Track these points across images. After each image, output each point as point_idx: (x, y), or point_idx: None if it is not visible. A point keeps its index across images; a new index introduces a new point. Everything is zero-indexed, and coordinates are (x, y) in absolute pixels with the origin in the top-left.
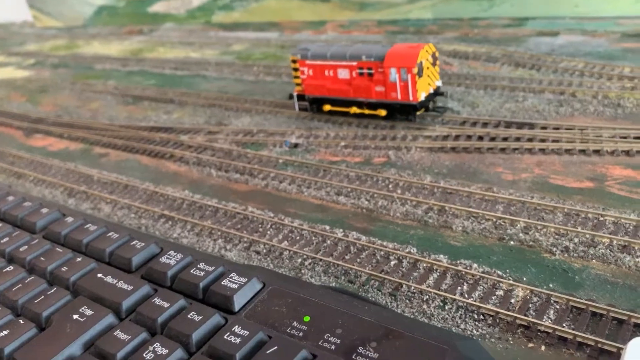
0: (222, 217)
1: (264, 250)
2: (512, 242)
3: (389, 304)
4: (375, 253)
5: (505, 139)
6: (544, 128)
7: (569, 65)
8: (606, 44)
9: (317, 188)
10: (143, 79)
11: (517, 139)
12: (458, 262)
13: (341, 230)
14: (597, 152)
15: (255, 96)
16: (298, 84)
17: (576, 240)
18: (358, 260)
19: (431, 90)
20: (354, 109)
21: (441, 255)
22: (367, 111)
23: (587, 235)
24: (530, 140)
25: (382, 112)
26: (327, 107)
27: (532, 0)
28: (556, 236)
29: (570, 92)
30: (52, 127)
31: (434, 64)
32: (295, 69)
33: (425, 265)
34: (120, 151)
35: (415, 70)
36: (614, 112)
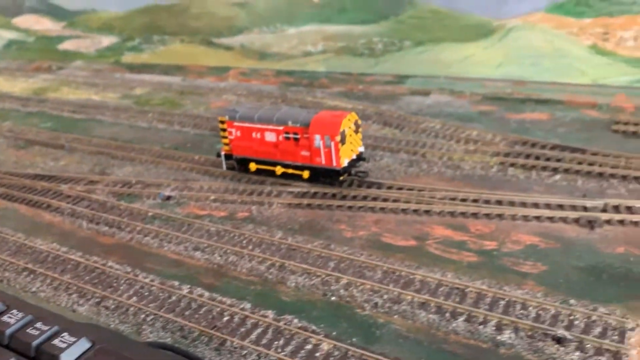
0: (82, 272)
1: (113, 306)
2: (333, 298)
3: (212, 359)
4: (212, 309)
5: (354, 197)
6: (389, 187)
7: (428, 126)
8: (467, 106)
9: (177, 243)
10: (40, 121)
11: (364, 198)
12: (282, 317)
13: (188, 286)
14: (427, 212)
15: (143, 144)
16: (226, 144)
17: (385, 296)
18: (196, 316)
19: (354, 156)
20: (279, 169)
21: (269, 311)
22: (291, 171)
23: (395, 292)
24: (374, 199)
25: (305, 174)
26: (253, 167)
27: (412, 59)
28: (370, 293)
29: (422, 153)
30: None
31: (356, 132)
32: (224, 130)
33: (252, 321)
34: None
35: (338, 138)
36: (453, 173)
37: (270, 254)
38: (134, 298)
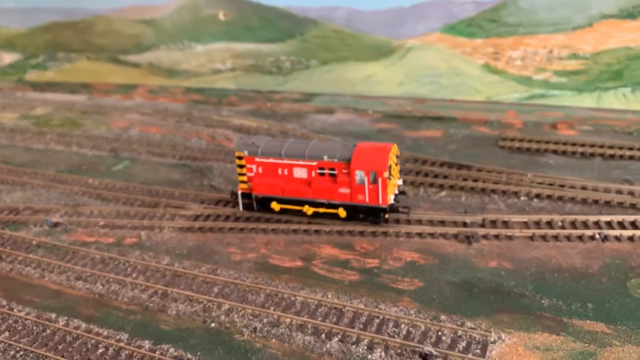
0: None
1: None
2: (213, 324)
3: None
4: (87, 342)
5: (247, 219)
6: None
7: None
8: (368, 124)
9: (59, 272)
10: None
11: (257, 219)
12: (159, 347)
13: (66, 318)
14: (317, 232)
15: (37, 168)
16: (243, 182)
17: (265, 320)
18: (69, 350)
19: (396, 191)
20: (308, 209)
21: (147, 341)
22: (323, 210)
23: (275, 316)
24: (267, 220)
25: (342, 213)
26: (276, 207)
27: (318, 77)
28: (251, 317)
29: None
30: None
31: (397, 164)
32: (241, 166)
33: (127, 352)
34: None
35: (386, 174)
36: None
37: (153, 282)
38: (6, 333)
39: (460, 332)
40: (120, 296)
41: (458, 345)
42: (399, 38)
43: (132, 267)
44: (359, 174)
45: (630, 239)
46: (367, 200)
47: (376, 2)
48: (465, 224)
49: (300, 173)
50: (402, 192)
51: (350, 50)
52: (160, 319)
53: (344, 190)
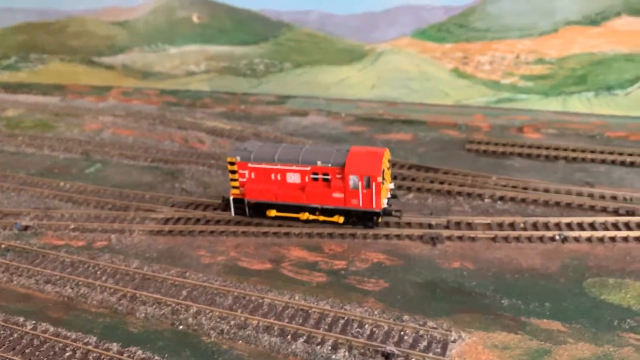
0: None
1: None
2: (181, 327)
3: None
4: (55, 345)
5: (217, 222)
6: None
7: None
8: (340, 127)
9: (28, 276)
10: None
11: (227, 222)
12: (127, 349)
13: (34, 321)
14: (287, 234)
15: (7, 171)
16: (235, 187)
17: (232, 322)
18: (37, 353)
19: (389, 195)
20: (306, 216)
21: (115, 344)
22: (322, 218)
23: (242, 318)
24: (237, 223)
25: (340, 219)
26: (272, 213)
27: (292, 80)
28: (218, 319)
29: None
30: None
31: (389, 168)
32: (233, 171)
33: (95, 354)
34: None
35: (380, 178)
36: None
37: (122, 285)
38: None
39: (421, 332)
40: (89, 299)
41: (419, 344)
42: (370, 42)
43: (101, 271)
44: (352, 179)
45: (589, 239)
46: (360, 204)
47: (348, 6)
48: (430, 226)
49: (293, 178)
50: (394, 196)
51: (324, 53)
52: (128, 321)
53: (338, 195)
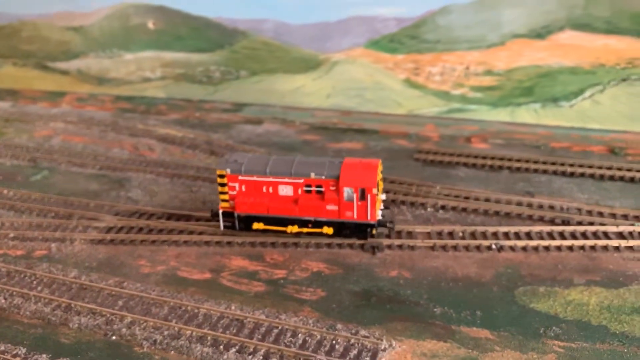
0: None
1: None
2: (114, 337)
3: None
4: None
5: (160, 231)
6: (198, 220)
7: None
8: (294, 135)
9: None
10: None
11: (170, 231)
12: None
13: None
14: (229, 243)
15: None
16: (225, 200)
17: (166, 333)
18: None
19: (382, 206)
20: (293, 228)
21: (44, 355)
22: (307, 230)
23: (177, 328)
24: (180, 232)
25: (330, 231)
26: (258, 226)
27: (248, 88)
28: (152, 330)
29: None
30: None
31: (382, 180)
32: (223, 184)
33: None
34: None
35: (375, 191)
36: None
37: (58, 295)
38: None
39: (352, 341)
40: (23, 310)
41: (350, 353)
42: (325, 52)
43: (38, 280)
44: (347, 191)
45: (524, 248)
46: (355, 216)
47: (303, 16)
48: (372, 235)
49: (285, 190)
50: (386, 207)
51: (279, 62)
52: (61, 332)
53: (332, 207)
